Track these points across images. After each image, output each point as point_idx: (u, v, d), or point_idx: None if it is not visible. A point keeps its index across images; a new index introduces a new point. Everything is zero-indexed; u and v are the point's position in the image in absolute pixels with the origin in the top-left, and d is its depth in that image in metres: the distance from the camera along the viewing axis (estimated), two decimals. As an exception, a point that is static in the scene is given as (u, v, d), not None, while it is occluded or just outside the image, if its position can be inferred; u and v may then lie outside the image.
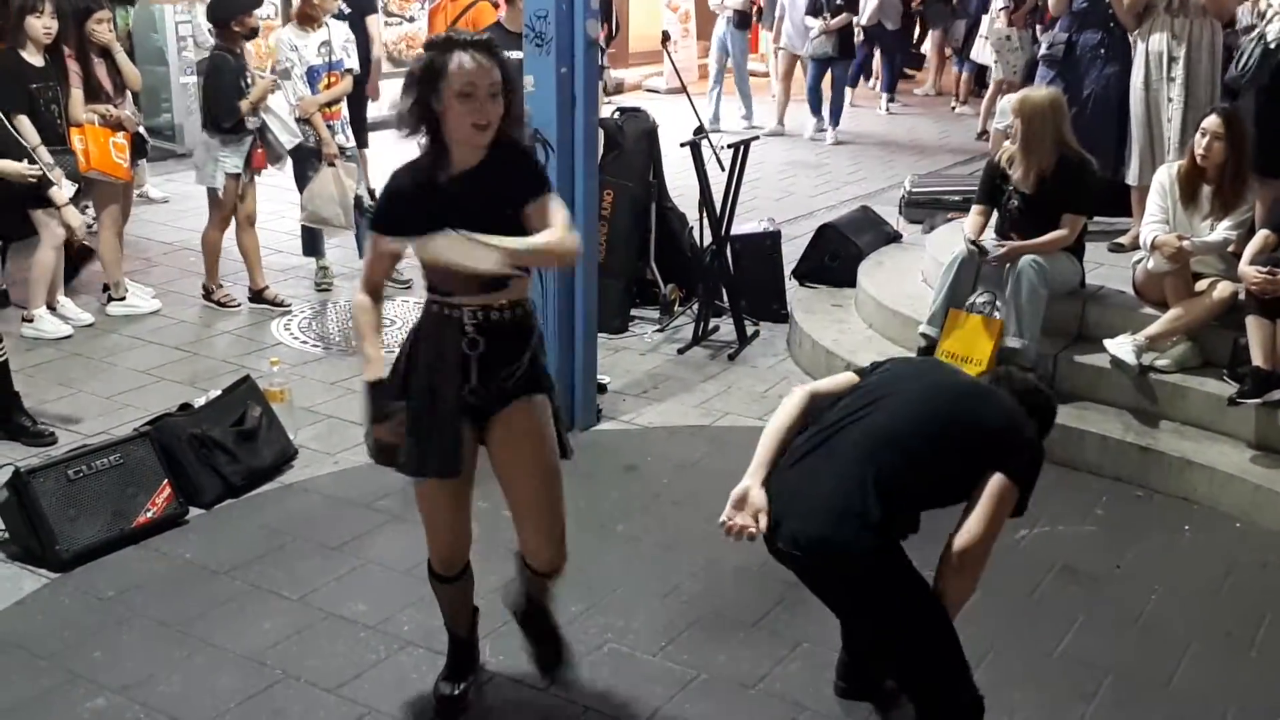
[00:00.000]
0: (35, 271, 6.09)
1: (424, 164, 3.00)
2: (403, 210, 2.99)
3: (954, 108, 13.91)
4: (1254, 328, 4.71)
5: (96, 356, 5.96)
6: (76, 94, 6.14)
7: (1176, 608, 4.01)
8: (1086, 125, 6.08)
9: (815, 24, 11.75)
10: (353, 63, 6.75)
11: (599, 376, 5.43)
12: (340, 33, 6.75)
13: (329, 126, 6.65)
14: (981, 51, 12.20)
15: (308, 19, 6.62)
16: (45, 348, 5.99)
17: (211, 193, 6.49)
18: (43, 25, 5.91)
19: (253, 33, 6.48)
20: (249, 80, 6.36)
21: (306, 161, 6.70)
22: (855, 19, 12.49)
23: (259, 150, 6.48)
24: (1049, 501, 4.66)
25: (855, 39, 12.69)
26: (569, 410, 5.11)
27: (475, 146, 2.94)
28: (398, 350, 3.16)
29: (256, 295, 6.74)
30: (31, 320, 6.11)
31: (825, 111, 12.17)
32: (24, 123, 5.77)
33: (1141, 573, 4.21)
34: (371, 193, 6.73)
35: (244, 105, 6.30)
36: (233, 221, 6.62)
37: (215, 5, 6.47)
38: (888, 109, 13.93)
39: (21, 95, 5.85)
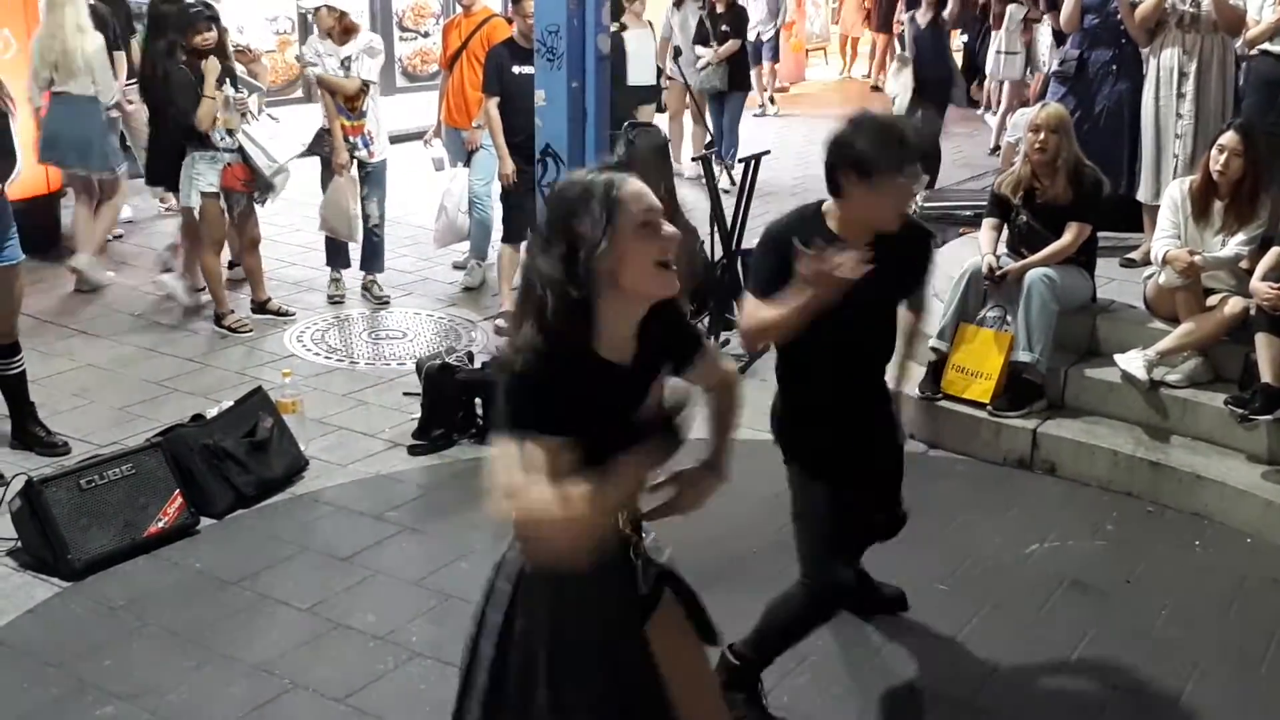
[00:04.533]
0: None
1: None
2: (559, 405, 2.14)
3: (983, 117, 13.54)
4: (1264, 344, 4.69)
5: (110, 367, 5.99)
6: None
7: (1186, 624, 4.00)
8: (1098, 141, 6.09)
9: (705, 53, 10.48)
10: (367, 72, 6.77)
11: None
12: (360, 44, 6.77)
13: (349, 141, 6.70)
14: (1000, 66, 12.10)
15: (347, 30, 6.74)
16: (59, 358, 6.03)
17: (187, 212, 6.50)
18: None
19: (195, 52, 6.26)
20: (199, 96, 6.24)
21: (329, 171, 6.78)
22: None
23: (230, 168, 6.37)
24: (1059, 516, 4.67)
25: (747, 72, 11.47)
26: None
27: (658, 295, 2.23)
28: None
29: (260, 307, 6.77)
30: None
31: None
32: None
33: (1151, 588, 4.20)
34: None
35: (207, 105, 6.20)
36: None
37: (173, 16, 6.43)
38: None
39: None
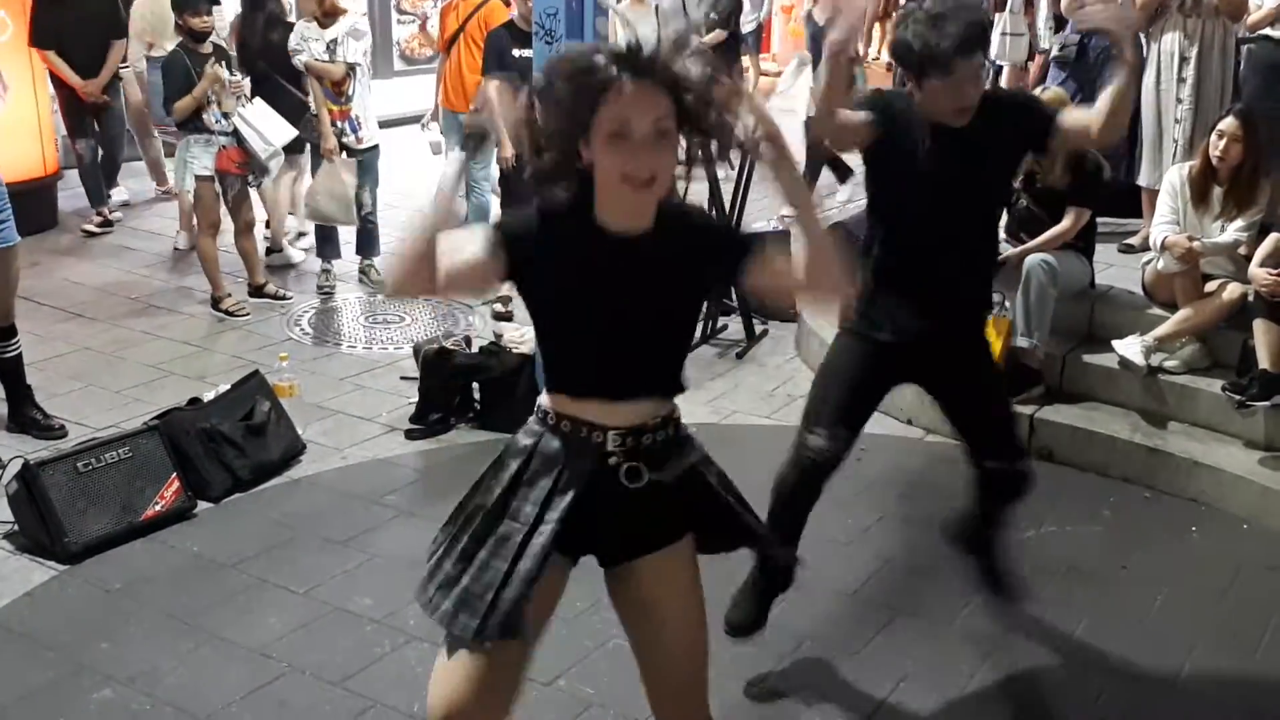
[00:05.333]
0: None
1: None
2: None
3: None
4: (1262, 331, 4.70)
5: (107, 350, 5.98)
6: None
7: (1182, 609, 4.00)
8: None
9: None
10: (352, 55, 6.73)
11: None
12: (344, 26, 6.72)
13: (336, 126, 6.65)
14: (1005, 49, 12.07)
15: (328, 13, 6.68)
16: (56, 341, 6.02)
17: (184, 196, 6.49)
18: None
19: (194, 34, 6.31)
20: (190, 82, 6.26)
21: (319, 156, 6.75)
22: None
23: (225, 150, 6.36)
24: (1056, 501, 4.67)
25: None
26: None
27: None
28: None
29: (256, 291, 6.75)
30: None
31: None
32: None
33: (1148, 574, 4.20)
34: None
35: (185, 102, 6.21)
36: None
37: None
38: None
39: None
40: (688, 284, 2.30)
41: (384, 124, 8.02)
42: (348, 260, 7.17)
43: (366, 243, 7.04)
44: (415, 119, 8.45)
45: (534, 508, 2.27)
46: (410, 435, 5.11)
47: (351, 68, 6.68)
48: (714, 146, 2.17)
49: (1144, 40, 6.11)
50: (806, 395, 3.44)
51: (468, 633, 2.26)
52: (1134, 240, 6.14)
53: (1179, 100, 5.93)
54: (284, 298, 6.76)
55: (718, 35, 10.33)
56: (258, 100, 6.57)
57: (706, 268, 2.28)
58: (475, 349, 5.41)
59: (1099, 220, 5.51)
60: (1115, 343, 5.12)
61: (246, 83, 6.55)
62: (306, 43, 6.65)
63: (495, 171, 6.75)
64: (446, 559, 2.38)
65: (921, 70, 3.08)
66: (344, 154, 6.69)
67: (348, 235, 7.07)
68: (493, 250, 2.16)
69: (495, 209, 7.05)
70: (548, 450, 2.29)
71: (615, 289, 2.19)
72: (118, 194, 8.47)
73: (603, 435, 2.26)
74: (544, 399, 2.34)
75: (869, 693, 3.51)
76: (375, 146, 6.93)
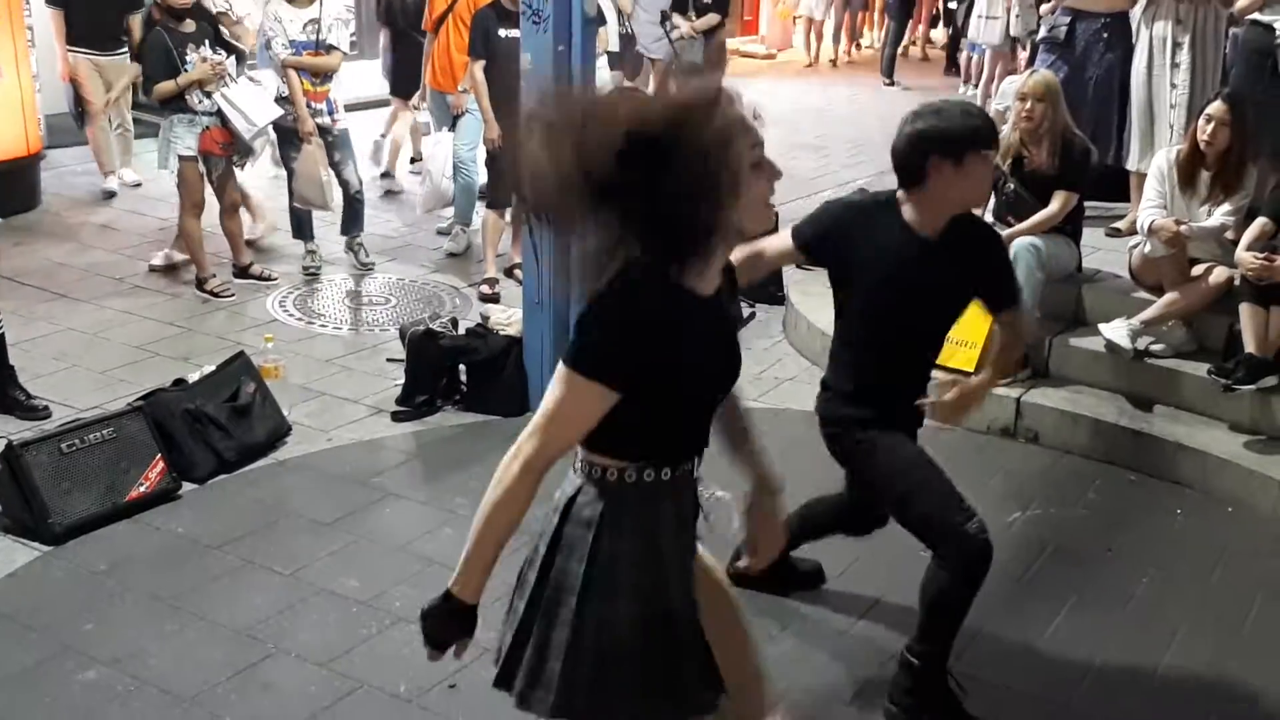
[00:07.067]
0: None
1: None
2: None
3: (963, 91, 13.75)
4: (1248, 314, 4.71)
5: (91, 331, 5.95)
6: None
7: (1167, 592, 4.02)
8: (1088, 110, 6.08)
9: (681, 23, 10.06)
10: (340, 41, 6.68)
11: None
12: (332, 11, 6.69)
13: (313, 108, 6.58)
14: (984, 32, 12.13)
15: None
16: (40, 321, 5.98)
17: (188, 235, 6.43)
18: None
19: (173, 11, 6.23)
20: (183, 59, 6.19)
21: (289, 142, 6.64)
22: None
23: (209, 131, 6.30)
24: (1042, 485, 4.69)
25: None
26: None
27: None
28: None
29: (241, 272, 6.72)
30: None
31: None
32: None
33: (1133, 557, 4.22)
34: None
35: (166, 86, 6.16)
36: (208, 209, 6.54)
37: None
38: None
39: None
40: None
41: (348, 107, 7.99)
42: (333, 242, 7.13)
43: (353, 219, 6.97)
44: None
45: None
46: (396, 417, 5.09)
47: (333, 48, 6.64)
48: None
49: (1135, 25, 6.11)
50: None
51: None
52: (1121, 224, 6.15)
53: (1173, 85, 5.92)
54: (269, 279, 6.73)
55: (710, 20, 10.30)
56: (241, 79, 6.51)
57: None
58: (462, 331, 5.40)
59: (1086, 204, 5.51)
60: (1102, 326, 5.13)
61: (231, 62, 6.49)
62: (281, 24, 6.52)
63: (482, 152, 6.72)
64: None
65: (953, 154, 3.04)
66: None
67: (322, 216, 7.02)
68: None
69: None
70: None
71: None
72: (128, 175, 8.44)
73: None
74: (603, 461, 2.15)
75: (851, 673, 3.52)
76: (346, 129, 6.88)
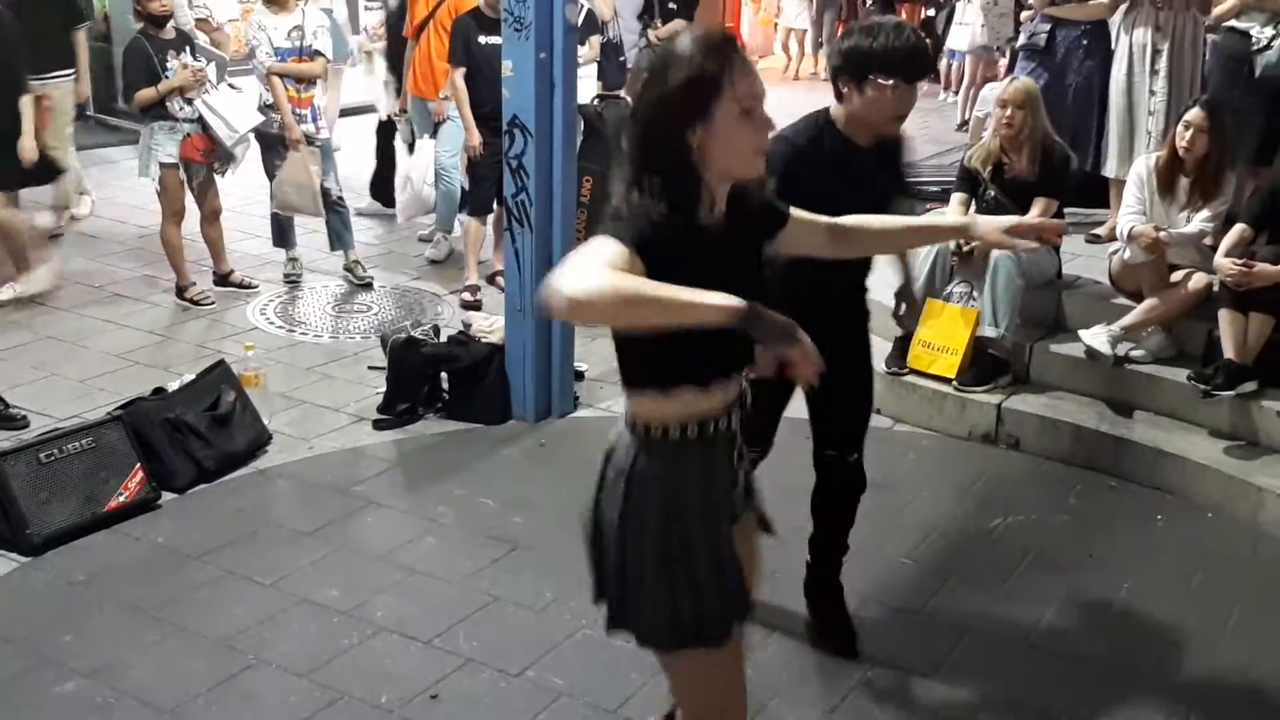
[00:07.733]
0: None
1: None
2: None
3: (943, 98, 13.71)
4: (1226, 321, 4.73)
5: (70, 340, 5.91)
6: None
7: (1148, 597, 4.03)
8: (1067, 116, 6.10)
9: (650, 33, 9.49)
10: (324, 48, 6.67)
11: (576, 363, 5.41)
12: (315, 19, 6.68)
13: (298, 114, 6.55)
14: (959, 38, 12.21)
15: (278, 2, 6.56)
16: (18, 330, 5.94)
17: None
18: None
19: (153, 19, 6.21)
20: (164, 66, 6.17)
21: (273, 149, 6.61)
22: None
23: (190, 138, 6.27)
24: (1023, 491, 4.70)
25: None
26: (545, 397, 5.10)
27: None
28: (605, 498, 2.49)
29: (222, 279, 6.69)
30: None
31: None
32: None
33: (1114, 562, 4.23)
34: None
35: (147, 93, 6.14)
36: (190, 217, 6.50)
37: None
38: None
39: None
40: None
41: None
42: (314, 249, 7.11)
43: (341, 232, 6.88)
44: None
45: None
46: (378, 425, 5.08)
47: (318, 54, 6.62)
48: None
49: (1114, 32, 6.14)
50: None
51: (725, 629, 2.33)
52: (1101, 231, 6.17)
53: (1152, 92, 5.95)
54: (250, 286, 6.70)
55: (675, 26, 10.13)
56: (222, 86, 6.49)
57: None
58: (444, 338, 5.38)
59: (1066, 210, 5.53)
60: (1082, 332, 5.15)
61: (211, 68, 6.47)
62: (264, 32, 6.50)
63: (464, 159, 6.71)
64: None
65: (873, 71, 3.08)
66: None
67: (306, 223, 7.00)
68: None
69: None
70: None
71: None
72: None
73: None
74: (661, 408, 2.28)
75: (836, 680, 3.51)
76: (329, 138, 6.86)
